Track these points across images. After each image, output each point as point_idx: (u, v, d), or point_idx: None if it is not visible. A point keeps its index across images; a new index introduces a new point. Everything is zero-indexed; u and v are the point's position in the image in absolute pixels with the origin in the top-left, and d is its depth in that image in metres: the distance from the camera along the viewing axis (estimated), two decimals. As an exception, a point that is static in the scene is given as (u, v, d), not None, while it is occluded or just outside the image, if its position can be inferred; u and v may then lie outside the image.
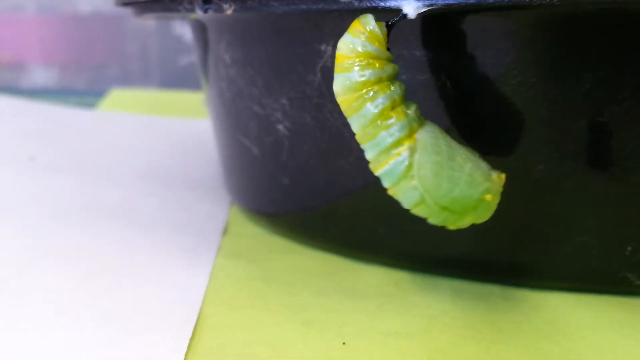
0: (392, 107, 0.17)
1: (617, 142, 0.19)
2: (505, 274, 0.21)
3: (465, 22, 0.18)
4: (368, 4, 0.18)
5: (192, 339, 0.18)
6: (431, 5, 0.17)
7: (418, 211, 0.18)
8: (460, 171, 0.17)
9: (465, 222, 0.18)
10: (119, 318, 0.19)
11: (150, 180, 0.33)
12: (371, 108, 0.17)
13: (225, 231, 0.27)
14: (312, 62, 0.21)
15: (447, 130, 0.19)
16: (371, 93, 0.17)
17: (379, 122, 0.17)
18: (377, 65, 0.17)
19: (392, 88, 0.17)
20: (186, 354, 0.17)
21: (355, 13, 0.19)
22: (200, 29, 0.27)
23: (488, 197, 0.17)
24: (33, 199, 0.29)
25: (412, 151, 0.17)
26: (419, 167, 0.17)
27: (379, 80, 0.17)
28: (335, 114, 0.21)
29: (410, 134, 0.17)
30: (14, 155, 0.36)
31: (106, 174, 0.34)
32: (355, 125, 0.18)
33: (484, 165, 0.17)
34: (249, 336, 0.18)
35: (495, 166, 0.20)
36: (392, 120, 0.17)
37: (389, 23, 0.17)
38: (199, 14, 0.21)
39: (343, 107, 0.18)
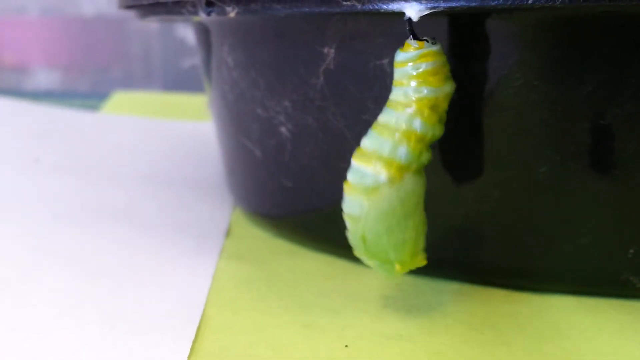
0: (418, 139, 0.17)
1: (620, 144, 0.19)
2: (507, 276, 0.21)
3: (467, 24, 0.18)
4: (370, 7, 0.18)
5: (194, 340, 0.18)
6: (433, 7, 0.17)
7: (347, 219, 0.18)
8: (401, 232, 0.18)
9: (367, 262, 0.19)
10: (121, 319, 0.19)
11: (153, 182, 0.33)
12: (405, 120, 0.17)
13: (227, 233, 0.27)
14: (314, 64, 0.21)
15: (449, 133, 0.19)
16: (419, 108, 0.17)
17: (398, 134, 0.17)
18: (431, 81, 0.17)
19: (435, 126, 0.17)
20: (189, 356, 0.17)
21: (357, 16, 0.19)
22: (203, 31, 0.27)
23: (397, 267, 0.18)
24: (37, 200, 0.29)
25: (389, 181, 0.17)
26: (380, 200, 0.17)
27: (432, 106, 0.17)
28: (338, 116, 0.21)
29: (404, 169, 0.17)
30: (18, 157, 0.36)
31: (109, 176, 0.34)
32: (382, 116, 0.18)
33: (421, 242, 0.18)
34: (251, 338, 0.18)
35: (497, 168, 0.20)
36: (406, 145, 0.17)
37: (410, 38, 0.17)
38: (202, 16, 0.21)
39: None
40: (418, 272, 0.22)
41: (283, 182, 0.24)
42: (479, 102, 0.19)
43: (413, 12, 0.17)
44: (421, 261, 0.19)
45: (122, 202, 0.30)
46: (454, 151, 0.20)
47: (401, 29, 0.18)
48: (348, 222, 0.18)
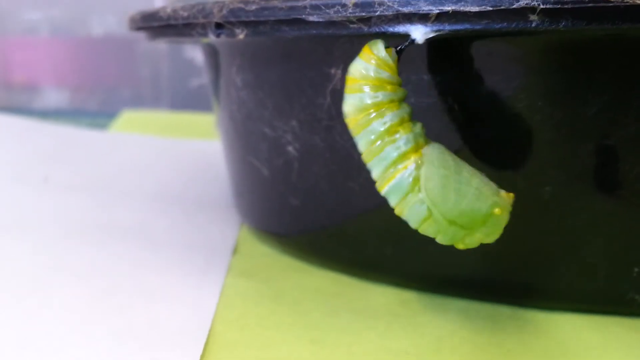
0: (400, 124, 0.18)
1: (624, 165, 0.19)
2: (513, 294, 0.22)
3: (472, 47, 0.19)
4: (377, 29, 0.18)
5: (202, 356, 0.18)
6: (439, 30, 0.17)
7: (426, 228, 0.17)
8: (468, 184, 0.17)
9: (474, 240, 0.17)
10: (131, 335, 0.19)
11: (162, 200, 0.34)
12: (378, 125, 0.17)
13: (235, 251, 0.27)
14: (322, 85, 0.21)
15: (455, 153, 0.20)
16: (379, 112, 0.17)
17: (385, 138, 0.17)
18: (388, 88, 0.17)
19: (401, 107, 0.18)
20: (197, 372, 0.17)
21: (364, 38, 0.20)
22: (212, 52, 0.27)
23: (497, 210, 0.17)
24: (46, 218, 0.30)
25: (419, 165, 0.17)
26: (426, 180, 0.17)
27: (390, 102, 0.17)
28: (345, 136, 0.22)
29: (416, 148, 0.17)
30: (28, 175, 0.36)
31: (118, 194, 0.34)
32: (362, 143, 0.18)
33: (491, 183, 0.17)
34: (258, 354, 0.18)
35: (503, 188, 0.20)
36: (398, 135, 0.17)
37: (399, 49, 0.18)
38: (211, 38, 0.22)
39: (351, 125, 0.18)
40: (424, 289, 0.23)
41: (290, 200, 0.24)
42: (484, 122, 0.20)
43: (419, 34, 0.17)
44: (509, 195, 0.17)
45: (131, 220, 0.30)
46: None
47: (408, 51, 0.18)
48: (434, 231, 0.17)
